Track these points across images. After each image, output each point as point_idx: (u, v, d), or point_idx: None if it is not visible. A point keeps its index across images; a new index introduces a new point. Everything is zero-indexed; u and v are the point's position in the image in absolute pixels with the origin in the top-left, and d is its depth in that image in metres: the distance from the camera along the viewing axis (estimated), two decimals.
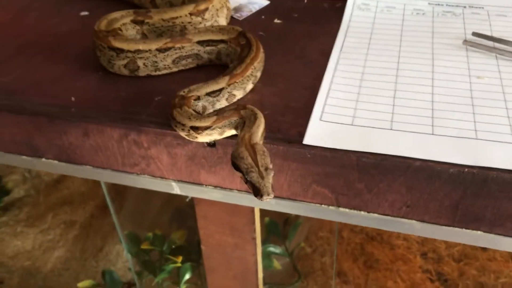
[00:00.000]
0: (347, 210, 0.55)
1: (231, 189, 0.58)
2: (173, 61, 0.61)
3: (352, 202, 0.54)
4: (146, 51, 0.60)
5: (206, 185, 0.59)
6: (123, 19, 0.65)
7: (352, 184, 0.52)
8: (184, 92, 0.54)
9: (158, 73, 0.62)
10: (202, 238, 0.68)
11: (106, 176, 0.63)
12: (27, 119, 0.59)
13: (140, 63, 0.60)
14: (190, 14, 0.66)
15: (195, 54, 0.62)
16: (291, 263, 0.94)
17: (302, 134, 0.52)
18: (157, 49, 0.60)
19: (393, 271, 1.10)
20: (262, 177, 0.45)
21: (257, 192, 0.45)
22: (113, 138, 0.57)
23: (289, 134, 0.53)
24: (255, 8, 0.79)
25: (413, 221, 0.53)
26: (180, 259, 0.84)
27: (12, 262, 1.18)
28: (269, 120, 0.54)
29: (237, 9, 0.78)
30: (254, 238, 0.65)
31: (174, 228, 0.90)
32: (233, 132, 0.52)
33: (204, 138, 0.51)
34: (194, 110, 0.53)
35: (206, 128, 0.50)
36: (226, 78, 0.55)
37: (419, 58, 0.65)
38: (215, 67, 0.64)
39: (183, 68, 0.63)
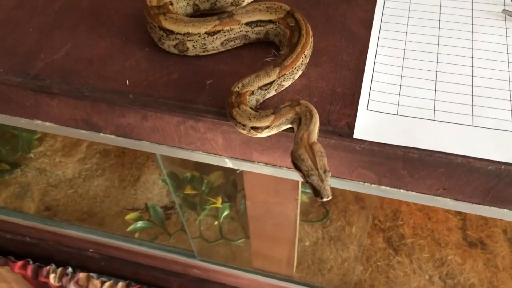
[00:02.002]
0: (387, 188, 0.61)
1: (281, 167, 0.64)
2: (222, 43, 0.63)
3: (393, 183, 0.60)
4: (195, 34, 0.61)
5: (257, 162, 0.64)
6: None
7: (396, 170, 0.58)
8: (238, 87, 0.57)
9: (206, 53, 0.64)
10: (247, 196, 0.75)
11: (162, 150, 0.68)
12: (87, 103, 0.63)
13: (189, 45, 0.62)
14: None
15: (243, 36, 0.63)
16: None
17: (351, 126, 0.56)
18: (206, 33, 0.61)
19: None
20: (322, 180, 0.50)
21: (317, 194, 0.50)
22: (171, 123, 0.61)
23: (338, 126, 0.57)
24: None
25: (447, 199, 0.60)
26: (219, 200, 0.93)
27: (56, 191, 1.28)
28: (318, 110, 0.57)
29: None
30: (297, 199, 0.72)
31: (211, 169, 0.98)
32: (288, 126, 0.56)
33: (263, 135, 0.55)
34: (250, 107, 0.56)
35: (266, 127, 0.54)
36: (277, 70, 0.57)
37: (459, 30, 0.66)
38: (261, 44, 0.65)
39: (230, 48, 0.64)
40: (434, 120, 0.56)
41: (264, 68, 0.58)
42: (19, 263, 1.26)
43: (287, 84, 0.60)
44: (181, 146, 0.65)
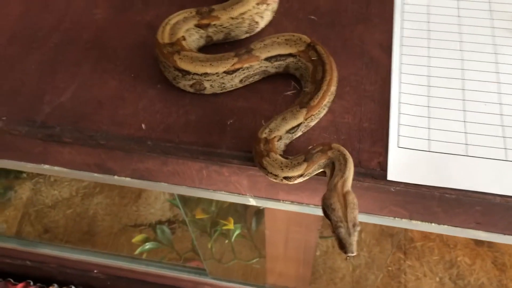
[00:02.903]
0: (418, 222, 0.60)
1: (307, 204, 0.62)
2: (241, 80, 0.59)
3: (425, 218, 0.59)
4: (214, 74, 0.58)
5: (283, 200, 0.62)
6: (186, 23, 0.61)
7: (430, 208, 0.56)
8: (265, 133, 0.54)
9: (223, 91, 0.60)
10: (267, 226, 0.74)
11: (181, 191, 0.66)
12: (102, 151, 0.59)
13: (207, 84, 0.59)
14: (257, 4, 0.62)
15: (263, 71, 0.60)
16: None
17: (383, 166, 0.55)
18: (224, 72, 0.58)
19: None
20: (349, 234, 0.48)
21: (342, 247, 0.48)
22: (193, 168, 0.59)
23: (370, 167, 0.55)
24: None
25: (480, 232, 0.59)
26: (231, 222, 0.91)
27: (54, 211, 1.23)
28: (347, 149, 0.55)
29: None
30: (319, 229, 0.71)
31: None
32: (321, 170, 0.54)
33: (296, 182, 0.53)
34: (280, 155, 0.53)
35: (299, 176, 0.52)
36: (303, 111, 0.55)
37: (482, 52, 0.64)
38: (280, 75, 0.62)
39: (248, 83, 0.61)
40: (467, 155, 0.55)
41: (290, 110, 0.55)
42: (20, 285, 1.22)
43: (313, 123, 0.57)
44: (202, 187, 0.63)
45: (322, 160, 0.53)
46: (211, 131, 0.58)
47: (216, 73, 0.58)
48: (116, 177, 0.65)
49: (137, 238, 1.06)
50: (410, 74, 0.62)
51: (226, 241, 1.00)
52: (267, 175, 0.53)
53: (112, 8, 0.71)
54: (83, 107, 0.61)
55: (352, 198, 0.50)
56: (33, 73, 0.65)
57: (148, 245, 1.04)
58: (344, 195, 0.50)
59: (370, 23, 0.68)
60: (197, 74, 0.58)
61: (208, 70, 0.57)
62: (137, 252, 1.04)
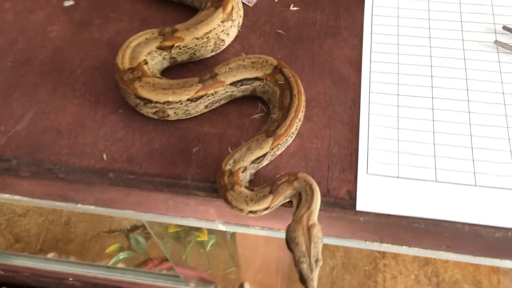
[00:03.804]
0: (389, 245, 0.60)
1: (278, 229, 0.61)
2: (206, 106, 0.57)
3: (396, 242, 0.58)
4: (177, 102, 0.55)
5: (253, 226, 0.61)
6: (148, 46, 0.58)
7: (399, 234, 0.56)
8: (230, 165, 0.52)
9: (188, 117, 0.58)
10: (238, 244, 0.73)
11: (148, 217, 0.64)
12: (62, 183, 0.57)
13: (170, 112, 0.56)
14: (222, 21, 0.60)
15: (229, 95, 0.58)
16: None
17: (352, 195, 0.54)
18: (188, 99, 0.55)
19: None
20: (311, 270, 0.47)
21: (303, 282, 0.48)
22: (158, 199, 0.57)
23: (339, 196, 0.54)
24: None
25: (450, 253, 0.59)
26: (205, 233, 0.90)
27: (25, 220, 1.20)
28: (316, 177, 0.54)
29: None
30: None
31: None
32: (287, 201, 0.53)
33: (262, 214, 0.52)
34: (245, 186, 0.52)
35: (265, 209, 0.51)
36: (270, 140, 0.53)
37: (452, 68, 0.62)
38: (247, 97, 0.60)
39: (214, 108, 0.59)
40: (436, 181, 0.54)
41: (256, 138, 0.54)
42: None
43: (280, 151, 0.56)
44: (169, 214, 0.61)
45: (288, 191, 0.51)
46: (176, 161, 0.56)
47: (179, 101, 0.55)
48: (79, 205, 0.63)
49: (111, 248, 1.04)
50: (380, 93, 0.61)
51: (201, 250, 0.99)
52: (232, 209, 0.52)
53: (68, 25, 0.68)
54: (40, 136, 0.58)
55: (317, 232, 0.49)
56: None
57: (122, 255, 1.02)
58: (309, 228, 0.49)
59: (340, 37, 0.66)
60: (159, 103, 0.55)
61: (171, 99, 0.55)
62: (111, 262, 1.02)
